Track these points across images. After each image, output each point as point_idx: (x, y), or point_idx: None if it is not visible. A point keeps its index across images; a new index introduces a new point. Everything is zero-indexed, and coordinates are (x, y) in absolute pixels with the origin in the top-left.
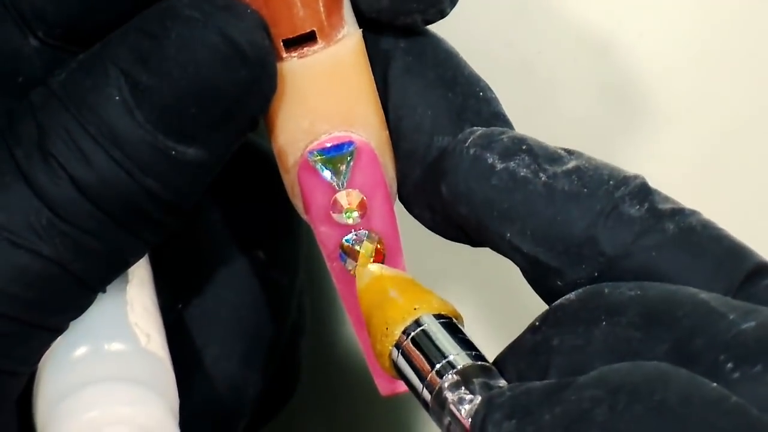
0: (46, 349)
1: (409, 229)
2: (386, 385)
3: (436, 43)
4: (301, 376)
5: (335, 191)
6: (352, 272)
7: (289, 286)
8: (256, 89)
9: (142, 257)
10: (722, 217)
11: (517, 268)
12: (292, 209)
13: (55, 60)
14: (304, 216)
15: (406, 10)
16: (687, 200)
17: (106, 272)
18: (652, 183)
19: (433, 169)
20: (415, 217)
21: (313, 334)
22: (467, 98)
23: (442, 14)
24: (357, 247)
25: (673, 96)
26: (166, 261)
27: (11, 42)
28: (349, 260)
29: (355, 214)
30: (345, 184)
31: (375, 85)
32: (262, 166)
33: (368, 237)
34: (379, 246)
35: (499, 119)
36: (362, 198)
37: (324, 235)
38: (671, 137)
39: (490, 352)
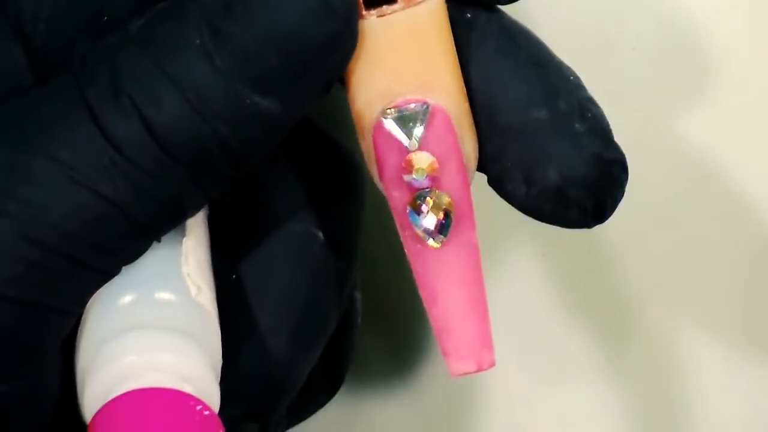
0: (95, 291)
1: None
2: (457, 366)
3: (527, 30)
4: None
5: (408, 152)
6: (422, 237)
7: (345, 272)
8: (338, 44)
9: (200, 209)
10: (727, 210)
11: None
12: (356, 198)
13: (139, 4)
14: (378, 183)
15: None
16: (685, 202)
17: (163, 219)
18: (653, 183)
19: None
20: (508, 194)
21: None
22: (559, 79)
23: None
24: (425, 204)
25: (673, 96)
26: (224, 229)
27: None
28: (418, 219)
29: (425, 175)
30: (417, 144)
31: (456, 55)
32: (332, 154)
33: (437, 195)
34: (448, 207)
35: (591, 102)
36: (433, 160)
37: (396, 201)
38: (671, 137)
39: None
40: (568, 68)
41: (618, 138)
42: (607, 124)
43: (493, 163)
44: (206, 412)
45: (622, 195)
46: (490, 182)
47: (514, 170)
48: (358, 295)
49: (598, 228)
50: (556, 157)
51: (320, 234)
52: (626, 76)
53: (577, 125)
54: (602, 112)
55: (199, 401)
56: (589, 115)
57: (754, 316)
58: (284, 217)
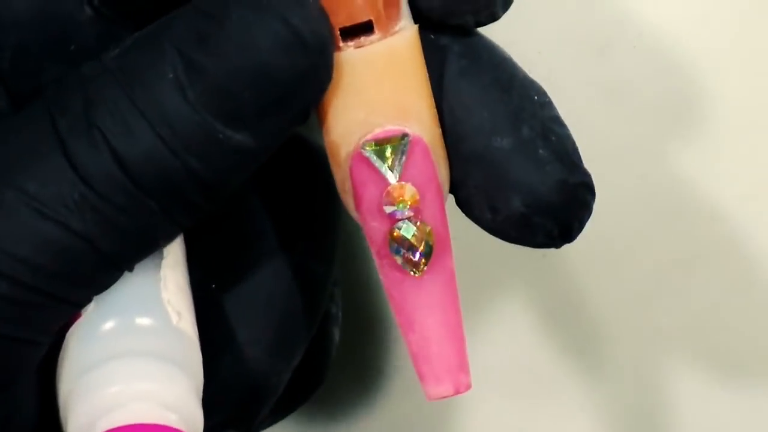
0: (65, 321)
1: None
2: (434, 390)
3: (492, 46)
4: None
5: (388, 184)
6: (401, 265)
7: (325, 276)
8: (312, 78)
9: (173, 240)
10: (724, 212)
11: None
12: (334, 201)
13: (108, 33)
14: (353, 213)
15: (458, 11)
16: (687, 200)
17: (134, 251)
18: (653, 182)
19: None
20: (475, 219)
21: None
22: (523, 100)
23: (494, 17)
24: (408, 236)
25: (673, 96)
26: (204, 239)
27: (66, 7)
28: (401, 251)
29: (408, 207)
30: (398, 176)
31: (429, 81)
32: (306, 157)
33: (420, 226)
34: (430, 239)
35: (555, 122)
36: (415, 191)
37: (374, 231)
38: (672, 137)
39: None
40: (533, 84)
41: (617, 138)
42: (572, 145)
43: (458, 188)
44: None
45: (590, 215)
46: (458, 204)
47: (478, 197)
48: (337, 291)
49: (594, 229)
50: (520, 185)
51: (300, 241)
52: (626, 76)
53: (540, 151)
54: (567, 131)
55: None
56: (554, 138)
57: (742, 335)
58: (261, 226)
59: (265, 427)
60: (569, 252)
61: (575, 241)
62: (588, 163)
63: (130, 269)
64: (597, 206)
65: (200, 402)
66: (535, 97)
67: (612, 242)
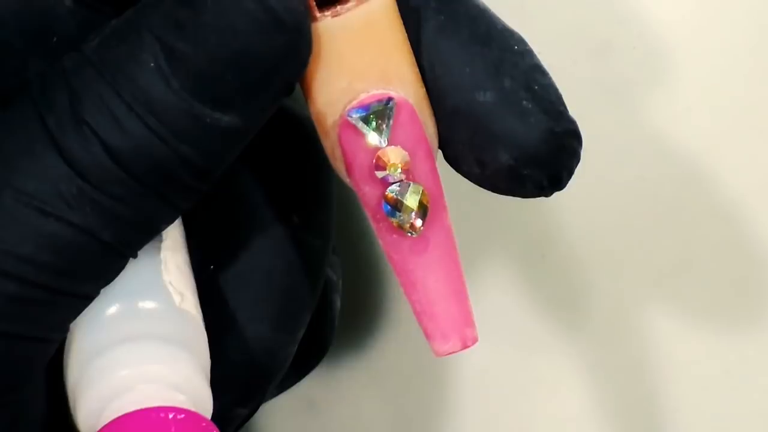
0: (77, 316)
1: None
2: (442, 347)
3: (467, 0)
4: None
5: (377, 149)
6: (398, 226)
7: (323, 248)
8: (292, 54)
9: (172, 222)
10: (723, 212)
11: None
12: (326, 171)
13: (89, 21)
14: (345, 179)
15: None
16: (688, 196)
17: (136, 239)
18: (653, 183)
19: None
20: (464, 174)
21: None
22: (503, 52)
23: None
24: (402, 198)
25: (673, 96)
26: (199, 222)
27: (45, 0)
28: (396, 213)
29: (399, 169)
30: (386, 141)
31: (408, 42)
32: (295, 130)
33: (413, 187)
34: (423, 198)
35: (537, 71)
36: (405, 154)
37: (368, 196)
38: (672, 137)
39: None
40: (513, 35)
41: (617, 138)
42: (556, 93)
43: (445, 145)
44: (203, 423)
45: (578, 161)
46: (446, 160)
47: (465, 152)
48: (336, 258)
49: (593, 229)
50: (506, 138)
51: (294, 216)
52: (626, 76)
53: (524, 102)
54: (550, 80)
55: (194, 415)
56: (536, 87)
57: (746, 316)
58: (254, 203)
59: (269, 398)
60: (569, 252)
61: (575, 241)
62: (588, 163)
63: (135, 256)
64: (596, 206)
65: (208, 381)
66: (515, 47)
67: (611, 242)
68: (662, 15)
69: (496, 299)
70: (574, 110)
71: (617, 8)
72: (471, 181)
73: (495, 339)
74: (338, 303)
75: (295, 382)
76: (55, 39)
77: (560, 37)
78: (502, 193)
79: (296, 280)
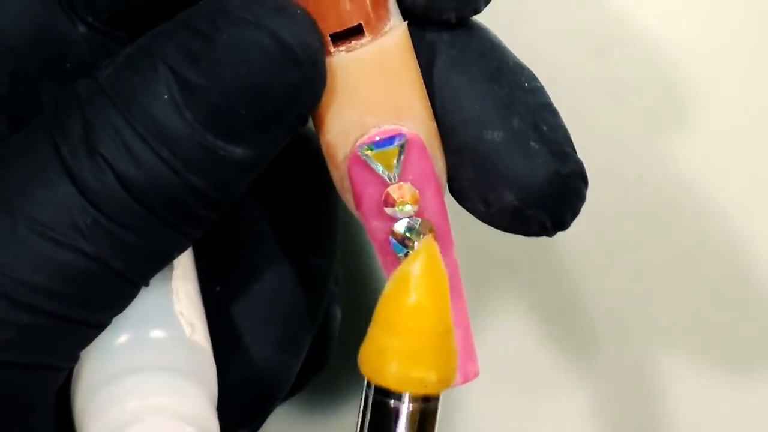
0: (89, 344)
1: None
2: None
3: (480, 34)
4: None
5: (387, 185)
6: None
7: (327, 269)
8: (306, 89)
9: (185, 251)
10: (724, 215)
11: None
12: (329, 192)
13: (102, 46)
14: (353, 210)
15: (441, 8)
16: (687, 201)
17: (148, 267)
18: (654, 182)
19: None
20: (468, 209)
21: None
22: (513, 90)
23: (476, 11)
24: (409, 235)
25: (672, 96)
26: (206, 244)
27: (59, 27)
28: (403, 249)
29: (408, 207)
30: (397, 177)
31: (422, 77)
32: (301, 151)
33: (421, 224)
34: (431, 235)
35: (546, 110)
36: (415, 191)
37: (376, 230)
38: (671, 137)
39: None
40: (523, 70)
41: (617, 138)
42: (564, 133)
43: (451, 180)
44: None
45: (583, 202)
46: (451, 193)
47: (471, 190)
48: (340, 271)
49: (593, 233)
50: (512, 179)
51: (300, 237)
52: (626, 76)
53: (532, 143)
54: (559, 120)
55: None
56: (545, 128)
57: (742, 334)
58: (260, 225)
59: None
60: (569, 252)
61: (574, 241)
62: (587, 163)
63: (147, 284)
64: (596, 206)
65: (215, 412)
66: (526, 84)
67: (611, 241)
68: (662, 15)
69: (500, 334)
70: (574, 110)
71: (617, 8)
72: (475, 217)
73: (497, 374)
74: (339, 314)
75: (295, 394)
76: (68, 64)
77: (560, 37)
78: (505, 231)
79: (301, 302)
